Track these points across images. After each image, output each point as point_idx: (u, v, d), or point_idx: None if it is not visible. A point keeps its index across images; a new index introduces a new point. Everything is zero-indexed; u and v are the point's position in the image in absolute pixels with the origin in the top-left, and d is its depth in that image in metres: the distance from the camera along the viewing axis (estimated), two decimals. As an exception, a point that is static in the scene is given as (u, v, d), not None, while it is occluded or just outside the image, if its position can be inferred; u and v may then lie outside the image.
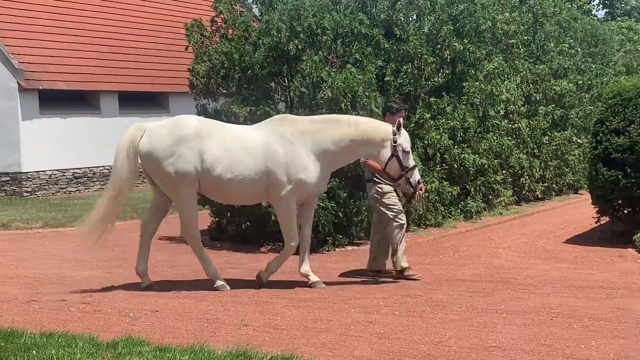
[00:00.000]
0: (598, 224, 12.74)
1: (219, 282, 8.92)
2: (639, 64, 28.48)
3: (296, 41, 12.17)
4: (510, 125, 16.72)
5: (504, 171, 16.26)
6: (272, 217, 11.14)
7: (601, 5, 50.80)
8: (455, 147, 14.29)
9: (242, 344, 6.33)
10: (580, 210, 15.95)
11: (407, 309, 7.78)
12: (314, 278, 9.02)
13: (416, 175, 8.94)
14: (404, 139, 8.86)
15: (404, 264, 9.43)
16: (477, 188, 14.99)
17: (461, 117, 14.41)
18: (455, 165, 14.25)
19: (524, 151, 17.35)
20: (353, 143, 8.81)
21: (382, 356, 6.14)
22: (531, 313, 7.46)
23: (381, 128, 8.88)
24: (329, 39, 12.54)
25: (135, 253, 9.20)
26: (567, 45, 21.09)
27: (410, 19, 14.57)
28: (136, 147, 8.76)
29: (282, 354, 6.09)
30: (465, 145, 14.61)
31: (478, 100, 15.05)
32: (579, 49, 22.19)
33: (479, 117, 15.15)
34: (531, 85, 18.26)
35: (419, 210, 10.65)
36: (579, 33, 23.18)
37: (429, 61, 13.54)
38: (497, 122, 15.83)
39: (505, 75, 16.47)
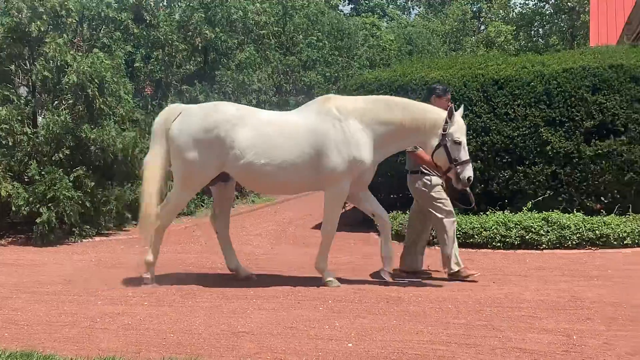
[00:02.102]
0: (344, 209, 13.28)
1: (147, 277, 8.36)
2: (381, 58, 30.08)
3: (38, 22, 11.53)
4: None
5: (255, 160, 16.50)
6: (13, 208, 10.49)
7: (347, 1, 53.13)
8: (207, 135, 14.29)
9: (-24, 343, 5.89)
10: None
11: (156, 299, 7.63)
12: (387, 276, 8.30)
13: (468, 171, 7.86)
14: (457, 128, 7.86)
15: (458, 266, 8.51)
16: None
17: (213, 105, 14.41)
18: (207, 154, 14.24)
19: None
20: (401, 128, 8.00)
21: (130, 347, 5.97)
22: (280, 297, 7.60)
23: (432, 114, 7.97)
24: (74, 21, 12.02)
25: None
26: (316, 38, 21.79)
27: (161, 4, 14.34)
28: (169, 128, 8.24)
29: (22, 350, 5.74)
30: (218, 134, 14.64)
31: (230, 89, 15.14)
32: (327, 42, 23.02)
33: (230, 106, 15.24)
34: (282, 75, 18.67)
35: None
36: (327, 27, 24.06)
37: (180, 48, 13.43)
38: (248, 111, 16.03)
39: (257, 65, 16.71)
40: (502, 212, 10.82)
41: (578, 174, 11.01)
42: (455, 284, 8.21)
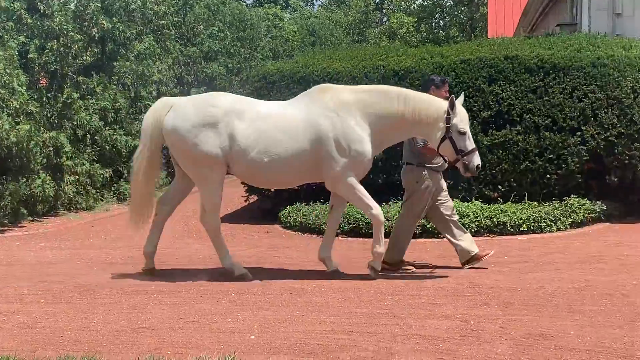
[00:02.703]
0: (247, 202, 13.24)
1: (239, 271, 8.09)
2: (284, 49, 30.07)
3: None
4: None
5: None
6: None
7: (250, -8, 52.87)
8: (107, 128, 13.98)
9: None
10: (231, 190, 16.41)
11: (53, 296, 7.42)
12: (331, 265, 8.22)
13: (475, 160, 7.67)
14: (460, 119, 7.64)
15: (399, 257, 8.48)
16: (130, 170, 14.80)
17: (112, 97, 14.12)
18: (107, 147, 13.95)
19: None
20: (402, 120, 7.73)
21: (25, 346, 5.78)
22: (182, 291, 7.50)
23: (433, 106, 7.70)
24: (-37, 11, 11.56)
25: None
26: (217, 29, 21.61)
27: (56, -6, 13.95)
28: (161, 123, 7.86)
29: None
30: (117, 126, 14.36)
31: (129, 80, 14.88)
32: (229, 33, 22.87)
33: (130, 98, 14.97)
34: (183, 67, 18.46)
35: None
36: (228, 17, 23.90)
37: (75, 39, 13.09)
38: (149, 103, 15.72)
39: (157, 56, 16.45)
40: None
41: (476, 163, 11.23)
42: (357, 274, 8.26)
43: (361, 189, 7.82)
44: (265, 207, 12.81)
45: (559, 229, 10.36)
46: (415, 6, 51.09)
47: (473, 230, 10.17)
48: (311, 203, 11.61)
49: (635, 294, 6.96)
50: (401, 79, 11.51)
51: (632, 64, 10.92)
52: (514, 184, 11.13)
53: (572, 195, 10.83)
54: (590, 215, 10.73)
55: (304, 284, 7.74)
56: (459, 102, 7.71)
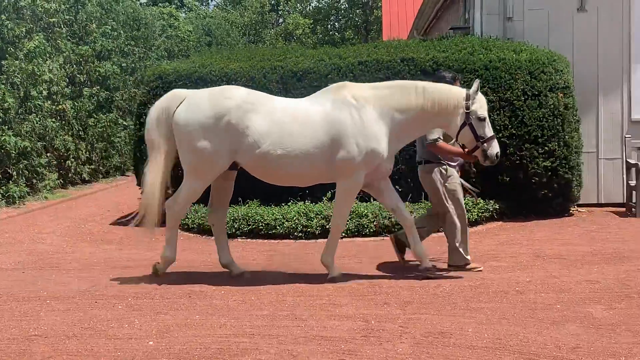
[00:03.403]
0: (143, 204, 12.95)
1: (160, 269, 8.06)
2: (180, 49, 29.69)
3: None
4: (54, 107, 16.25)
5: (48, 154, 15.78)
6: None
7: (143, -10, 51.97)
8: (-5, 129, 13.47)
9: None
10: (127, 192, 16.13)
11: (-62, 306, 7.07)
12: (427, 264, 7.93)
13: (495, 147, 7.61)
14: (479, 104, 7.59)
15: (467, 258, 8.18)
16: (20, 172, 14.32)
17: (0, 97, 13.57)
18: (-5, 148, 13.44)
19: (70, 133, 17.01)
20: (422, 112, 7.61)
21: None
22: (75, 297, 7.28)
23: (452, 93, 7.63)
24: None
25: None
26: (110, 28, 21.13)
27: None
28: (171, 116, 7.65)
29: None
30: (6, 127, 13.85)
31: (19, 79, 14.37)
32: (122, 32, 22.42)
33: (20, 98, 14.46)
34: (75, 66, 17.97)
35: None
36: (122, 16, 23.43)
37: (-40, 36, 12.52)
38: (39, 103, 15.27)
39: (47, 55, 15.95)
40: (303, 202, 10.96)
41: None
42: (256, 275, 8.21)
43: (353, 198, 7.90)
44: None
45: (455, 228, 10.54)
46: (311, 8, 51.41)
47: (372, 230, 10.26)
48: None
49: (529, 291, 7.17)
50: (300, 79, 11.51)
51: (522, 67, 11.24)
52: (412, 184, 11.28)
53: (466, 195, 11.03)
54: (484, 214, 10.99)
55: (203, 287, 7.64)
56: (476, 88, 7.64)
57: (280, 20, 56.76)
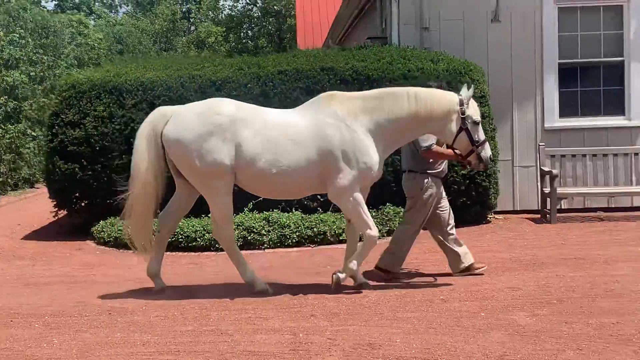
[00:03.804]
0: (56, 217, 12.58)
1: (260, 286, 7.64)
2: (90, 57, 29.07)
3: None
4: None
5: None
6: None
7: (51, -3, 50.77)
8: None
9: None
10: (37, 205, 15.65)
11: None
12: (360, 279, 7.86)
13: (488, 150, 7.70)
14: (473, 109, 7.59)
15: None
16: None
17: None
18: None
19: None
20: (415, 119, 7.49)
21: None
22: (-11, 317, 6.98)
23: (445, 99, 7.54)
24: None
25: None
26: (18, 36, 20.52)
27: None
28: (159, 135, 7.39)
29: None
30: None
31: None
32: (30, 40, 21.80)
33: None
34: (-19, 74, 17.34)
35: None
36: (30, 23, 22.82)
37: None
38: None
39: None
40: (223, 213, 10.78)
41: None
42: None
43: (364, 207, 7.59)
44: (76, 222, 12.19)
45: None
46: (224, 16, 51.17)
47: (295, 240, 10.19)
48: (126, 217, 11.19)
49: (453, 299, 7.23)
50: (218, 89, 11.35)
51: (440, 77, 11.33)
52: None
53: (387, 204, 11.10)
54: (406, 222, 11.03)
55: (124, 303, 7.43)
56: (470, 93, 7.66)
57: (192, 28, 56.34)
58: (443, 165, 8.25)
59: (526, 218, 12.29)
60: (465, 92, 7.63)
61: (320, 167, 7.45)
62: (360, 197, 7.55)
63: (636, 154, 12.25)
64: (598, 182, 12.24)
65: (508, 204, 12.67)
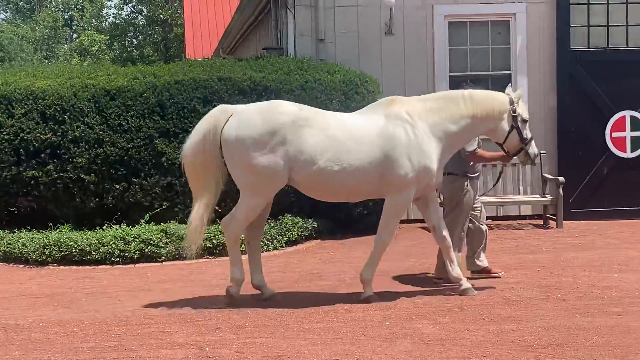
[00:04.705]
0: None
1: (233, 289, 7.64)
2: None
3: None
4: None
5: None
6: None
7: None
8: None
9: None
10: None
11: None
12: (465, 284, 7.85)
13: (535, 148, 7.92)
14: (522, 108, 7.79)
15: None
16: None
17: None
18: None
19: None
20: (473, 120, 7.61)
21: None
22: None
23: (498, 99, 7.74)
24: None
25: None
26: None
27: None
28: (218, 133, 7.28)
29: None
30: None
31: None
32: None
33: None
34: None
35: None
36: None
37: None
38: None
39: None
40: (119, 225, 10.52)
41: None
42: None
43: (402, 214, 8.03)
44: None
45: (275, 248, 10.53)
46: (107, 24, 50.16)
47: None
48: (16, 230, 10.78)
49: (357, 309, 7.28)
50: (113, 98, 11.08)
51: (337, 88, 11.43)
52: (232, 205, 11.17)
53: (286, 214, 11.10)
54: (304, 232, 11.07)
55: (19, 319, 7.14)
56: (520, 92, 7.94)
57: (75, 35, 54.94)
58: (479, 167, 8.51)
59: (419, 227, 12.44)
60: (518, 92, 7.92)
61: (382, 166, 7.44)
62: (408, 202, 7.80)
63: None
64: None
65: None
